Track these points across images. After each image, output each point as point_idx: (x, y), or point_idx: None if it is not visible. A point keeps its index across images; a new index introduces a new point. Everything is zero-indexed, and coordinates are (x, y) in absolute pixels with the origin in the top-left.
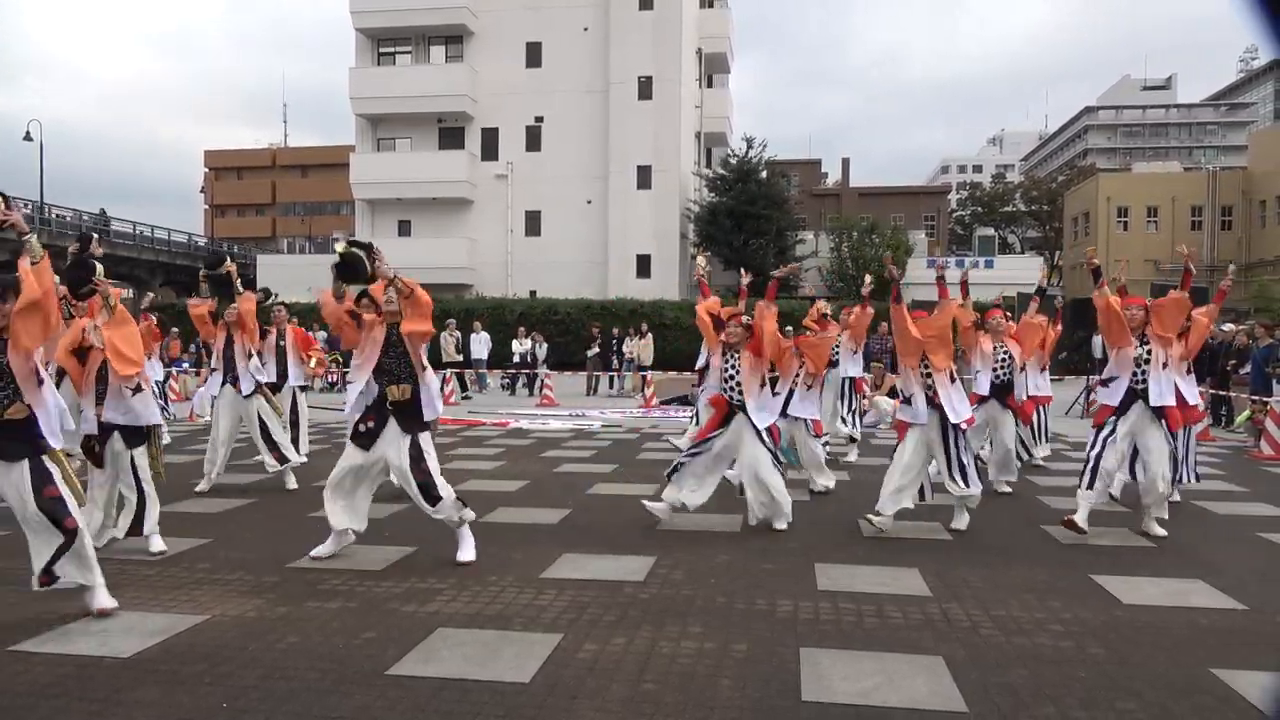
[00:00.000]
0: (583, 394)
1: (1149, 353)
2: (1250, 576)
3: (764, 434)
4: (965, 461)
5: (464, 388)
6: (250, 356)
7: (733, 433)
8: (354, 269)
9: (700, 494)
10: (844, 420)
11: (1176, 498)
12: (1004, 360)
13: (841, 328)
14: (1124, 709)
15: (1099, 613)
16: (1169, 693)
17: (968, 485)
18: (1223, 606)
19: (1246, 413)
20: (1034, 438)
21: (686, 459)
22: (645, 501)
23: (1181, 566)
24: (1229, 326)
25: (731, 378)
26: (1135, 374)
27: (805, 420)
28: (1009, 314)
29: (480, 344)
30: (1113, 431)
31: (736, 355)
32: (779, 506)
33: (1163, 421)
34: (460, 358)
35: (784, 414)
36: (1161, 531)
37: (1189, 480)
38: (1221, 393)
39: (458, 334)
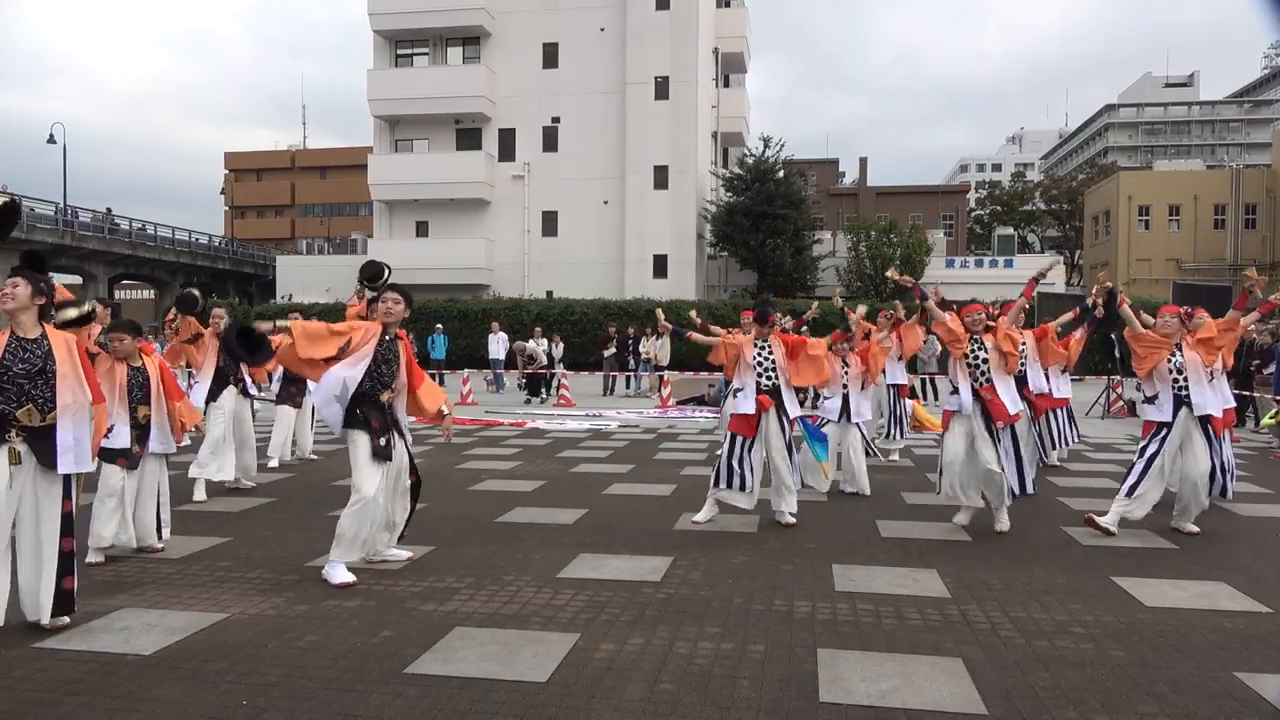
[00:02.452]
0: (599, 394)
1: (1182, 362)
2: (1275, 579)
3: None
4: (1010, 457)
5: (535, 393)
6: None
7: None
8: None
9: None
10: (881, 428)
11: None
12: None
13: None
14: (1146, 712)
15: (1121, 615)
16: (1192, 696)
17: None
18: (1247, 609)
19: (1272, 413)
20: (1053, 440)
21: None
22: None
23: (1205, 569)
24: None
25: (768, 365)
26: (1177, 381)
27: (859, 425)
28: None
29: (498, 344)
30: (1159, 450)
31: (768, 344)
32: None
33: (1208, 429)
34: (547, 360)
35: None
36: (1194, 528)
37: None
38: (1245, 393)
39: (544, 340)
